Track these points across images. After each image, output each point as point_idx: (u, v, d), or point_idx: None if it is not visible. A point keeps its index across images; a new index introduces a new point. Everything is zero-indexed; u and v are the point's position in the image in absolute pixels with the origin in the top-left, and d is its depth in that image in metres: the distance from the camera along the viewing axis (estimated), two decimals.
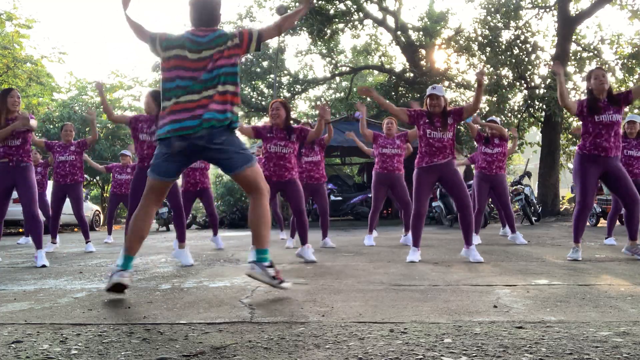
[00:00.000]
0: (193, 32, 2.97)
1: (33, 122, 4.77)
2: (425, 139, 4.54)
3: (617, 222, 6.88)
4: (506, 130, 6.38)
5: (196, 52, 2.91)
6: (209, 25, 3.00)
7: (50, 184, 8.58)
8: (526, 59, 15.56)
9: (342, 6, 17.73)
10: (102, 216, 15.70)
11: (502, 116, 16.18)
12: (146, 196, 2.95)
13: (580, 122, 4.62)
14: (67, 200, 6.53)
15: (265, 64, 21.48)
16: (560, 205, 15.12)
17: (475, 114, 5.56)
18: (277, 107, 4.85)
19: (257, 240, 2.90)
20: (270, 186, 4.90)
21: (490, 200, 9.06)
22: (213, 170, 16.80)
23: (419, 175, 4.56)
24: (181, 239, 4.82)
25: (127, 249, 2.92)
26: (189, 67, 2.90)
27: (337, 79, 24.79)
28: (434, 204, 11.32)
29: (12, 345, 1.93)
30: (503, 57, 15.37)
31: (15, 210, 7.52)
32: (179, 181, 6.31)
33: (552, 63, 4.70)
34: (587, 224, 10.82)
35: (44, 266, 4.59)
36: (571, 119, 16.17)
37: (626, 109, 12.69)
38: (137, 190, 4.56)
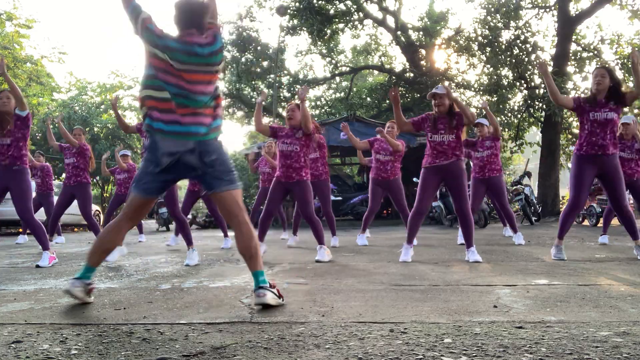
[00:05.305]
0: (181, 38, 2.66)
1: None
2: (428, 142, 4.60)
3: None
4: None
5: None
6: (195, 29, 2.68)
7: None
8: (526, 59, 15.56)
9: (342, 6, 17.74)
10: (102, 216, 15.69)
11: (502, 116, 16.19)
12: (124, 211, 2.72)
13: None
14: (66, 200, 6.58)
15: (265, 64, 21.45)
16: (560, 205, 15.12)
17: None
18: (292, 109, 4.95)
19: (256, 263, 2.65)
20: (279, 188, 4.96)
21: (490, 200, 9.07)
22: None
23: (424, 174, 4.62)
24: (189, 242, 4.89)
25: (89, 260, 2.69)
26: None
27: (337, 79, 24.77)
28: (434, 204, 11.31)
29: (12, 345, 1.93)
30: (503, 57, 15.37)
31: (15, 210, 7.50)
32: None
33: (538, 61, 4.58)
34: (587, 224, 10.85)
35: (38, 266, 4.58)
36: (571, 119, 16.17)
37: (625, 109, 12.60)
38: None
